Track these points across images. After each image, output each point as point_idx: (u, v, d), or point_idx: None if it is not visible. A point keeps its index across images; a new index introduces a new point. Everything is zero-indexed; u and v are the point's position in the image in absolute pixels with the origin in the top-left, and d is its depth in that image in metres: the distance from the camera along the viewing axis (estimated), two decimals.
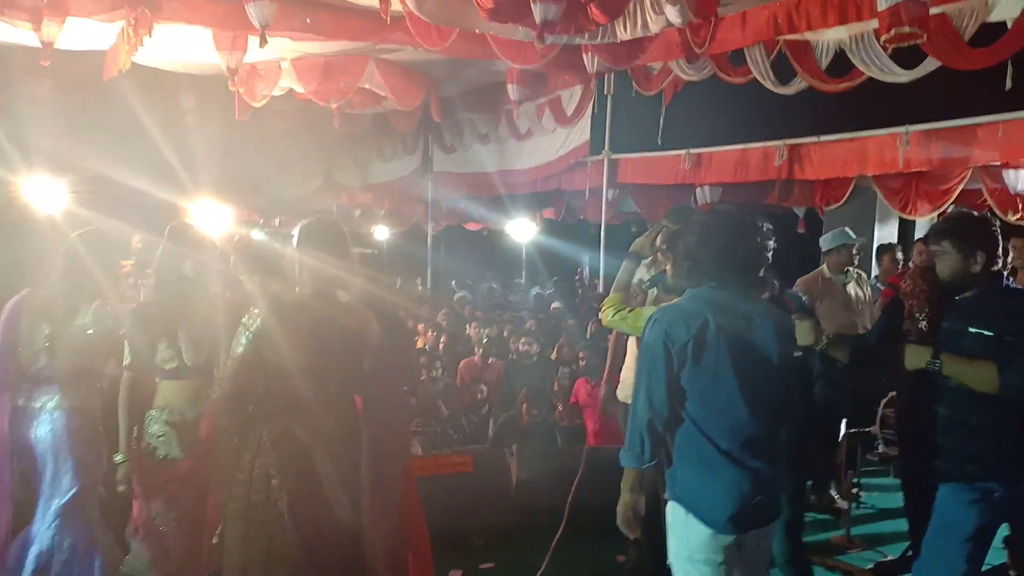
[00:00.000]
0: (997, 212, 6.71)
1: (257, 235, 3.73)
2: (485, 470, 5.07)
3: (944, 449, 2.91)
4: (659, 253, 3.44)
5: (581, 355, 6.94)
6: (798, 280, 5.44)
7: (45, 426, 3.38)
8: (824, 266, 5.58)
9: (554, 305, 10.03)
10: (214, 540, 2.76)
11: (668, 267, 3.37)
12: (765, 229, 2.63)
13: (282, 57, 7.32)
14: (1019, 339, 2.75)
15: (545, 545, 4.68)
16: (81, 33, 6.29)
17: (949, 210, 7.48)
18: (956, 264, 2.88)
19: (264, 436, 2.73)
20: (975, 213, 3.15)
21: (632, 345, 3.73)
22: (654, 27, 5.37)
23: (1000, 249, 2.91)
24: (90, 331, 3.39)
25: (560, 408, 6.37)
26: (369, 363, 2.92)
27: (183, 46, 7.02)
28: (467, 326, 8.87)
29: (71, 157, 8.27)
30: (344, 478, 2.83)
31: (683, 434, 2.54)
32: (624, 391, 4.05)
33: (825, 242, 5.63)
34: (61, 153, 8.23)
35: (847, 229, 5.60)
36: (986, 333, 2.80)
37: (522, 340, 7.42)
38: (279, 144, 11.47)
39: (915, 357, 2.89)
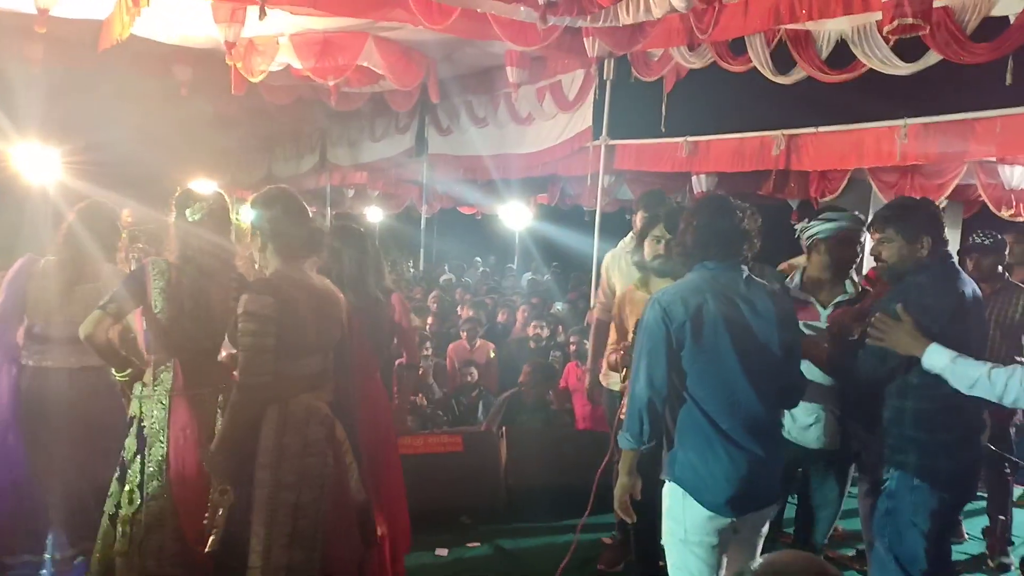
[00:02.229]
0: (991, 207, 6.74)
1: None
2: (475, 450, 5.10)
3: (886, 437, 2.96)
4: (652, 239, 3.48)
5: (572, 339, 6.98)
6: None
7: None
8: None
9: (557, 306, 9.92)
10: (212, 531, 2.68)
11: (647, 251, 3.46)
12: (747, 209, 2.66)
13: (280, 32, 7.24)
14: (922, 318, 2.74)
15: (533, 525, 4.73)
16: (77, 0, 6.21)
17: (943, 205, 7.54)
18: (903, 250, 2.88)
19: (287, 415, 2.71)
20: (917, 198, 3.16)
21: (614, 332, 3.73)
22: (657, 11, 5.33)
23: (945, 232, 2.94)
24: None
25: (551, 392, 6.41)
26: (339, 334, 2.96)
27: (181, 18, 6.94)
28: (458, 309, 8.90)
29: (64, 126, 8.19)
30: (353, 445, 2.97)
31: (684, 414, 2.56)
32: (607, 377, 4.07)
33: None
34: (53, 122, 8.15)
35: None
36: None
37: (533, 324, 7.48)
38: (274, 121, 11.40)
39: (906, 340, 2.80)
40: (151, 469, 3.03)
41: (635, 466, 2.68)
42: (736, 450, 2.50)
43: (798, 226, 3.61)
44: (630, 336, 3.23)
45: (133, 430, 3.09)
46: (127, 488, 3.05)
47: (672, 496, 2.61)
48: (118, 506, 3.06)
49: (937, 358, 2.64)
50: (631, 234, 4.26)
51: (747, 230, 2.61)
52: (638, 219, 3.90)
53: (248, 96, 8.10)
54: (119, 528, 3.03)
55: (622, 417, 3.00)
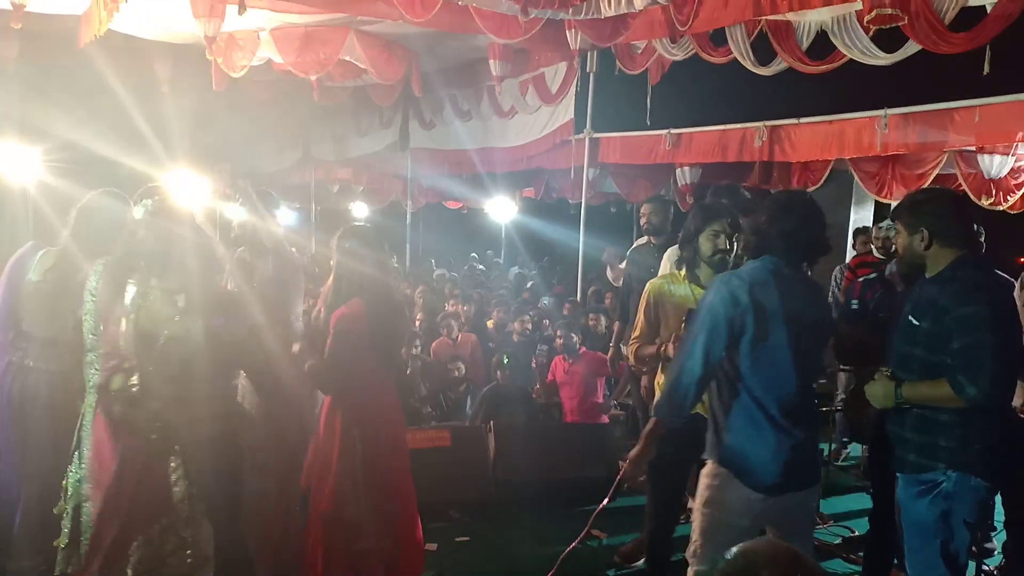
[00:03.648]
0: (971, 196, 6.80)
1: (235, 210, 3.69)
2: (463, 445, 5.10)
3: (894, 439, 2.85)
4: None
5: (559, 334, 6.98)
6: None
7: None
8: None
9: (543, 300, 9.88)
10: None
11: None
12: (822, 214, 2.72)
13: (261, 27, 7.19)
14: (935, 327, 2.63)
15: (521, 518, 4.74)
16: None
17: None
18: (904, 243, 2.83)
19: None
20: (936, 188, 3.11)
21: (641, 327, 3.62)
22: (638, 3, 5.35)
23: (957, 226, 2.71)
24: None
25: (538, 386, 6.42)
26: None
27: (160, 13, 6.87)
28: (446, 304, 8.87)
29: (42, 124, 8.09)
30: None
31: (735, 399, 2.63)
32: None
33: None
34: (31, 119, 8.05)
35: None
36: (914, 322, 2.71)
37: (519, 320, 7.48)
38: (256, 116, 11.31)
39: (879, 396, 2.78)
40: (84, 468, 3.06)
41: (659, 438, 2.75)
42: (783, 435, 2.60)
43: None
44: (662, 327, 3.31)
45: (77, 426, 3.12)
46: (64, 483, 3.09)
47: (715, 477, 2.69)
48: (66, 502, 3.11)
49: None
50: (669, 251, 4.09)
51: (822, 236, 2.70)
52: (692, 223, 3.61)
53: (230, 91, 8.04)
54: (61, 522, 3.07)
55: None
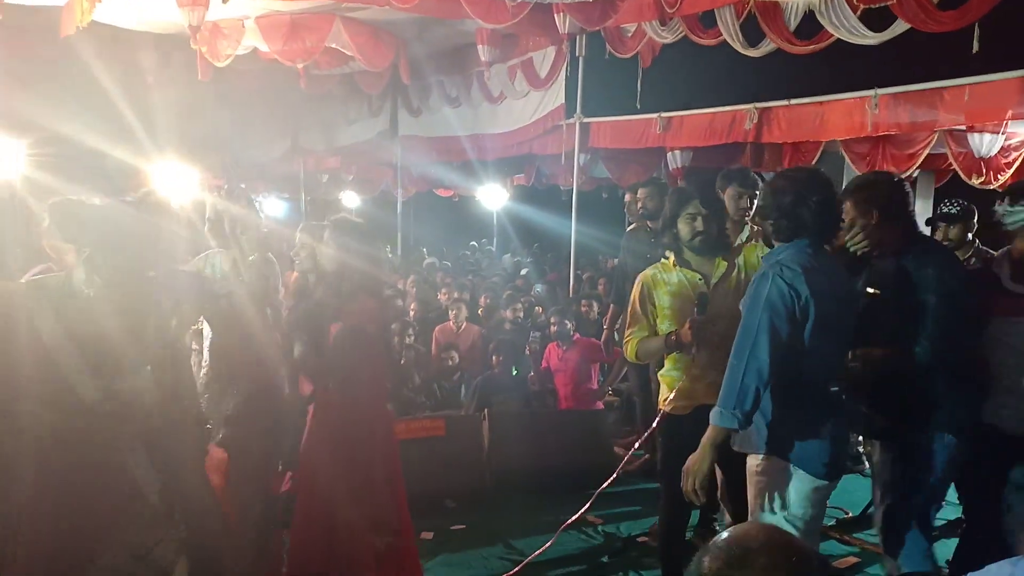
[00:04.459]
0: (962, 176, 6.80)
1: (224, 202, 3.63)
2: (458, 434, 5.10)
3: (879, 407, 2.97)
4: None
5: (552, 320, 6.97)
6: None
7: None
8: None
9: (536, 287, 9.84)
10: None
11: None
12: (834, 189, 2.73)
13: (246, 15, 7.11)
14: (901, 299, 2.76)
15: (516, 506, 4.75)
16: None
17: (914, 175, 7.61)
18: (853, 222, 2.89)
19: None
20: (885, 171, 3.18)
21: (631, 318, 3.56)
22: None
23: (907, 208, 2.91)
24: None
25: (532, 373, 6.42)
26: None
27: (144, 3, 6.79)
28: (439, 293, 8.84)
29: (26, 116, 7.99)
30: None
31: (789, 386, 2.57)
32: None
33: None
34: (14, 112, 7.95)
35: None
36: (870, 290, 2.84)
37: (511, 308, 7.46)
38: (243, 106, 11.20)
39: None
40: None
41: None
42: (834, 416, 2.62)
43: (998, 209, 3.41)
44: (659, 319, 3.24)
45: None
46: None
47: (771, 470, 2.61)
48: None
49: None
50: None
51: (840, 210, 2.71)
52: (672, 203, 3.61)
53: (217, 81, 7.96)
54: None
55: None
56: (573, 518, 3.65)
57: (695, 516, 3.94)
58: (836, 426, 2.64)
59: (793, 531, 2.52)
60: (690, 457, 2.64)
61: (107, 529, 1.99)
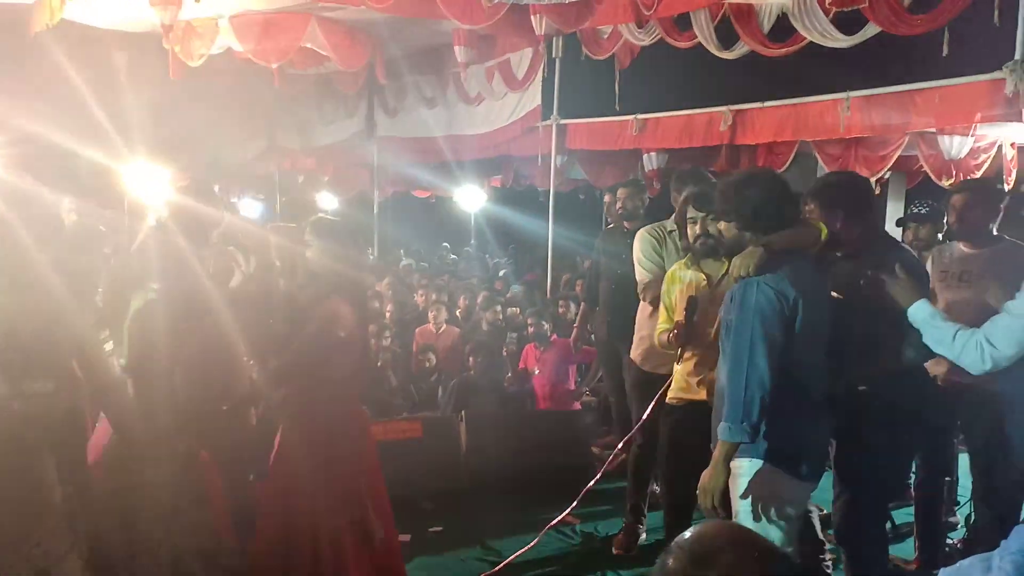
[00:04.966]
0: (932, 177, 6.90)
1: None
2: (435, 435, 5.08)
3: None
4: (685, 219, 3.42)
5: (529, 321, 6.96)
6: None
7: None
8: None
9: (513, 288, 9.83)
10: None
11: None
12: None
13: (220, 14, 7.03)
14: (868, 303, 2.78)
15: (494, 508, 4.74)
16: None
17: (886, 176, 7.72)
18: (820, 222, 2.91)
19: None
20: (849, 172, 3.24)
21: (662, 312, 3.58)
22: None
23: (870, 208, 3.00)
24: None
25: (509, 374, 6.42)
26: None
27: (115, 1, 6.69)
28: (415, 294, 8.81)
29: None
30: None
31: (781, 390, 2.53)
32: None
33: None
34: None
35: None
36: (833, 294, 2.85)
37: (489, 311, 7.43)
38: (218, 106, 11.08)
39: None
40: None
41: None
42: (820, 419, 2.64)
43: None
44: (675, 313, 3.30)
45: None
46: None
47: (761, 474, 2.56)
48: None
49: (919, 312, 2.69)
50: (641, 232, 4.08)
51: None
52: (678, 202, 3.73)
53: (191, 81, 7.87)
54: None
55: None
56: (559, 518, 3.65)
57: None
58: (819, 427, 2.66)
59: (777, 531, 2.54)
60: (703, 474, 2.62)
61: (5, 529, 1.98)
